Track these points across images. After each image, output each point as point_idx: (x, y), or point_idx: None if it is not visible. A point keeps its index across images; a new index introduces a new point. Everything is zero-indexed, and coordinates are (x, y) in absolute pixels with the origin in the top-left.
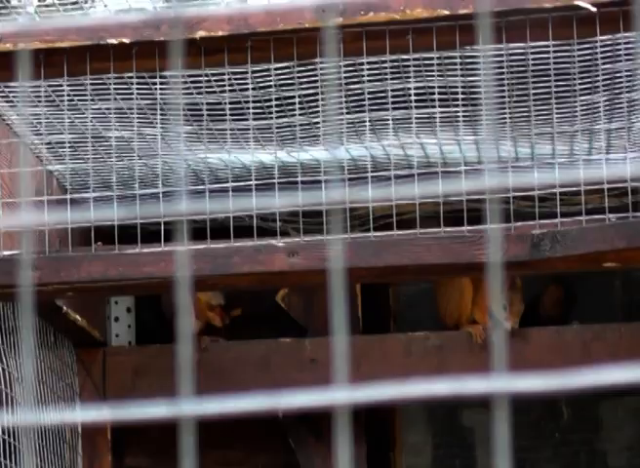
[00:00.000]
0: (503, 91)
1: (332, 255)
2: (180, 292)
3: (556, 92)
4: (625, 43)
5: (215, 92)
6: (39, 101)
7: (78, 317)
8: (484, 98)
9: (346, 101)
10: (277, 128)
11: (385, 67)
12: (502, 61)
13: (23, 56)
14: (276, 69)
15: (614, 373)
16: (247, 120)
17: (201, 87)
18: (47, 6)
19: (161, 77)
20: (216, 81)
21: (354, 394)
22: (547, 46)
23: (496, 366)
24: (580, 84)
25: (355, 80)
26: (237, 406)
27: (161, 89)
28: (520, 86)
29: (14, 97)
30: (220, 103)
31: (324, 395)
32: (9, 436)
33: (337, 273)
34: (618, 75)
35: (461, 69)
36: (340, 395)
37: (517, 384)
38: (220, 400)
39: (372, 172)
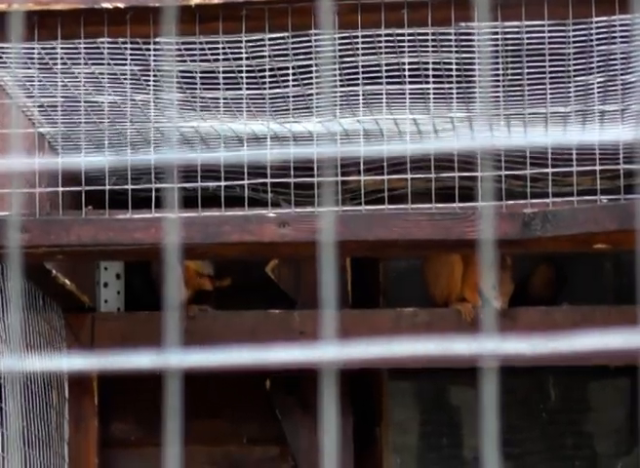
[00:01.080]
0: (498, 70)
1: (322, 228)
2: (170, 259)
3: (550, 72)
4: (621, 25)
5: (208, 60)
6: (32, 63)
7: (67, 281)
8: (478, 77)
9: (340, 74)
10: (270, 98)
11: (380, 41)
12: (497, 40)
13: (17, 17)
14: (270, 39)
15: (600, 339)
16: (240, 90)
17: (195, 55)
18: None
19: (155, 43)
20: (209, 49)
21: (342, 351)
22: (542, 25)
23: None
24: (574, 65)
25: (349, 53)
26: (225, 359)
27: (154, 55)
28: (514, 65)
29: (7, 58)
30: (213, 72)
31: (312, 351)
32: None
33: (327, 246)
34: (612, 57)
35: (456, 46)
36: (329, 351)
37: (505, 347)
38: (206, 354)
39: (364, 145)
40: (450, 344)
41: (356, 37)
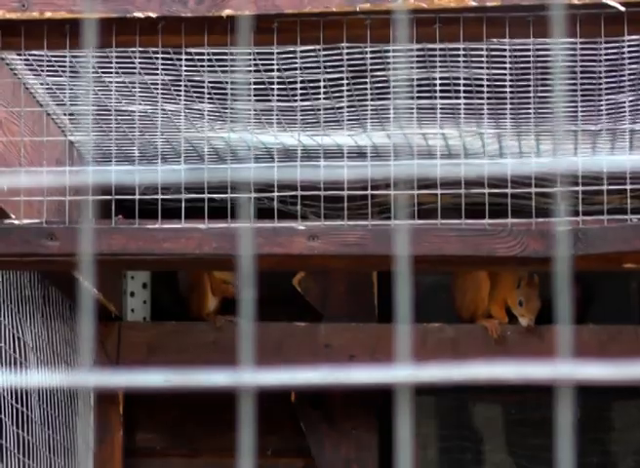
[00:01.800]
0: (529, 85)
1: (397, 242)
2: (245, 271)
3: (581, 89)
4: None
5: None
6: (63, 72)
7: (95, 290)
8: (554, 93)
9: (371, 88)
10: (301, 111)
11: (412, 56)
12: (529, 56)
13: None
14: (302, 52)
15: None
16: (271, 101)
17: (226, 65)
18: None
19: (186, 53)
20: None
21: (417, 373)
22: (574, 43)
23: (561, 353)
24: (605, 83)
25: (381, 67)
26: (296, 378)
27: (186, 65)
28: (546, 82)
29: (38, 65)
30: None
31: (386, 373)
32: (22, 405)
33: (402, 259)
34: None
35: (487, 62)
36: (403, 374)
37: (581, 371)
38: (280, 373)
39: (394, 160)
40: (527, 367)
41: (387, 51)
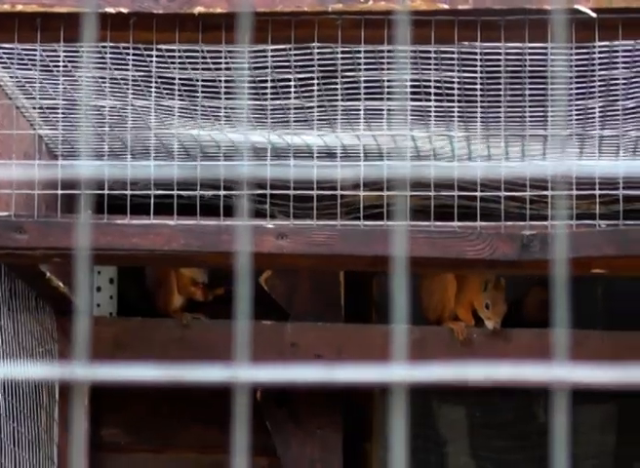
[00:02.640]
0: (500, 90)
1: (395, 243)
2: (242, 270)
3: (551, 94)
4: (623, 51)
5: (210, 69)
6: (33, 65)
7: (61, 284)
8: (551, 99)
9: (341, 89)
10: (271, 110)
11: (382, 57)
12: (500, 60)
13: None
14: (273, 51)
15: None
16: (241, 100)
17: (197, 63)
18: None
19: (157, 50)
20: (211, 58)
21: (412, 372)
22: (545, 48)
23: (557, 355)
24: (576, 88)
25: (351, 68)
26: (295, 375)
27: (157, 61)
28: (516, 86)
29: (8, 58)
30: (214, 81)
31: (382, 372)
32: None
33: (400, 260)
34: (613, 82)
35: (458, 65)
36: (398, 373)
37: (577, 374)
38: (278, 369)
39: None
40: (521, 370)
41: (359, 52)
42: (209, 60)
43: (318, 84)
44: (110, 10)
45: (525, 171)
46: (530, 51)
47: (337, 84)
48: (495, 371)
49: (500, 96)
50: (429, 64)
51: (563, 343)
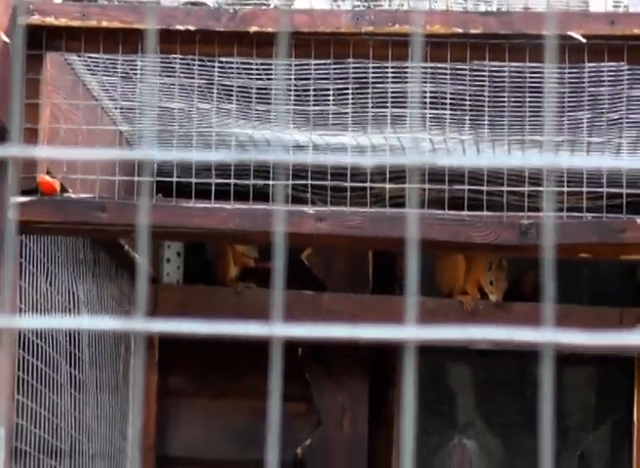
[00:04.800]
0: (504, 101)
1: (409, 227)
2: (278, 247)
3: (546, 106)
4: (608, 71)
5: (262, 78)
6: (115, 72)
7: (137, 255)
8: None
9: (372, 98)
10: (313, 114)
11: (406, 72)
12: (505, 77)
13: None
14: (315, 64)
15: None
16: (288, 105)
17: (251, 73)
18: None
19: (218, 61)
20: (264, 70)
21: (422, 332)
22: (542, 67)
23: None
24: (568, 101)
25: (380, 80)
26: (324, 333)
27: (218, 71)
28: (518, 99)
29: (94, 66)
30: (266, 89)
31: (396, 331)
32: (74, 347)
33: (412, 242)
34: (600, 97)
35: (469, 80)
36: (410, 332)
37: (562, 337)
38: (310, 327)
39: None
40: (516, 332)
41: (387, 67)
42: (261, 71)
43: (352, 93)
44: (180, 27)
45: (524, 169)
46: (530, 69)
47: (368, 94)
48: (492, 333)
49: (504, 106)
50: (445, 79)
51: (551, 313)
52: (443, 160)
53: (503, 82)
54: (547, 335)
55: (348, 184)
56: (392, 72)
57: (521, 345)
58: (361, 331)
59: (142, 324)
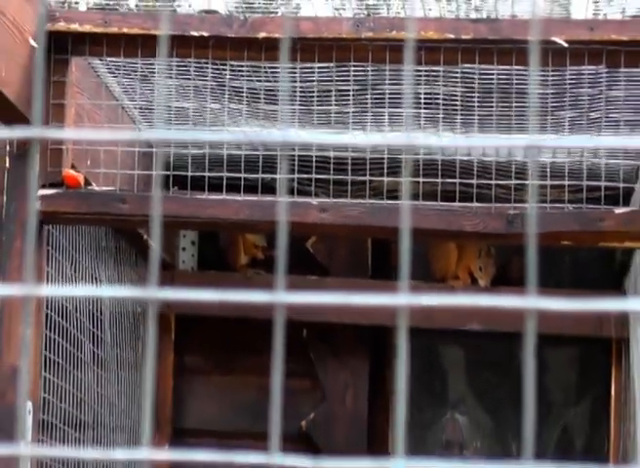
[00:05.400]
0: (492, 101)
1: (401, 217)
2: (281, 235)
3: (531, 105)
4: (588, 74)
5: (269, 80)
6: (134, 74)
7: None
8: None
9: (371, 98)
10: (316, 113)
11: (402, 74)
12: (493, 79)
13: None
14: (318, 68)
15: None
16: (294, 105)
17: (260, 75)
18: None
19: (230, 65)
20: (272, 73)
21: (413, 299)
22: (527, 69)
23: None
24: (551, 102)
25: (379, 82)
26: (327, 299)
27: (229, 74)
28: (505, 99)
29: (116, 69)
30: (272, 90)
31: (389, 299)
32: (96, 328)
33: (405, 231)
34: (581, 98)
35: (460, 82)
36: (402, 299)
37: (544, 303)
38: (312, 295)
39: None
40: (502, 299)
41: (384, 70)
42: (269, 74)
43: (353, 94)
44: (194, 33)
45: (511, 163)
46: (516, 72)
47: (367, 95)
48: (481, 301)
49: (492, 106)
50: (438, 81)
51: (534, 282)
52: (436, 142)
53: (492, 84)
54: (530, 301)
55: (349, 178)
56: (390, 75)
57: (508, 327)
58: (357, 299)
59: (156, 291)
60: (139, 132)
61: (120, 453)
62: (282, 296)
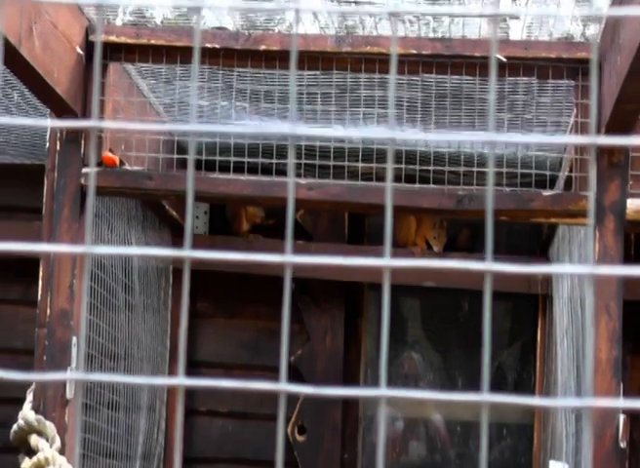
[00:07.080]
0: (446, 105)
1: (385, 196)
2: (290, 210)
3: (479, 108)
4: (523, 83)
5: (268, 84)
6: (160, 77)
7: (174, 213)
8: (490, 108)
9: (349, 99)
10: (305, 111)
11: (374, 81)
12: (446, 86)
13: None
14: (308, 74)
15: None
16: (286, 104)
17: (260, 80)
18: (169, 21)
19: (237, 71)
20: (271, 78)
21: (395, 262)
22: (474, 79)
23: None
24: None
25: (355, 87)
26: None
27: (236, 78)
28: (456, 102)
29: (145, 72)
30: (270, 91)
31: (374, 261)
32: (128, 279)
33: (388, 208)
34: (516, 103)
35: (421, 88)
36: (385, 261)
37: (502, 267)
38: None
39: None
40: (462, 263)
41: (359, 78)
42: (267, 79)
43: (335, 96)
44: (208, 45)
45: (460, 154)
46: (465, 81)
47: (346, 97)
48: (445, 264)
49: (446, 109)
50: (402, 87)
51: (490, 257)
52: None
53: (445, 90)
54: (488, 264)
55: (331, 163)
56: (364, 82)
57: (456, 284)
58: (351, 261)
59: (191, 252)
60: (174, 124)
61: (143, 379)
62: (290, 257)
